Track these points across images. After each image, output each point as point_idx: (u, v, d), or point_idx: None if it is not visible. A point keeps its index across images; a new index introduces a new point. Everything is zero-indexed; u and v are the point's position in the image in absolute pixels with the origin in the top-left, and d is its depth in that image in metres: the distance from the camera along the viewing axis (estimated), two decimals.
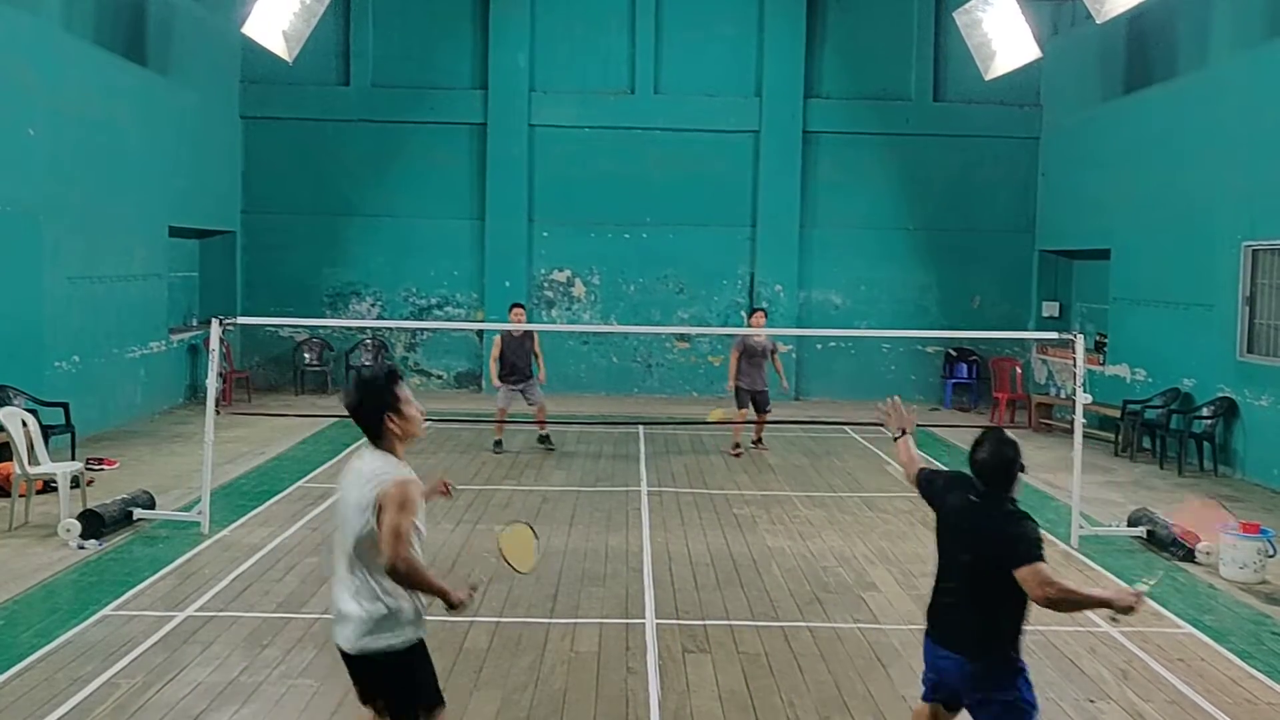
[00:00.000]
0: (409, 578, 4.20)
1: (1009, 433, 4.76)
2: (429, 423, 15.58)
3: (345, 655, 4.39)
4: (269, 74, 18.57)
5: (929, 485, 5.17)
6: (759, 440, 14.28)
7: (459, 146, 19.46)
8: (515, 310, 13.95)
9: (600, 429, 15.49)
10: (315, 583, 8.18)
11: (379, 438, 4.37)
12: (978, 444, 4.73)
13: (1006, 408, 17.56)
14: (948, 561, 4.88)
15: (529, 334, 13.81)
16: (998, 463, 4.67)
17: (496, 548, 4.70)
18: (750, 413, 13.82)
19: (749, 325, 13.99)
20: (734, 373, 13.73)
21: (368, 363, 19.22)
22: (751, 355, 13.66)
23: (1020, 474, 4.68)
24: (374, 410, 4.35)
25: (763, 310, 14.89)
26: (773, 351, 13.94)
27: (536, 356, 13.83)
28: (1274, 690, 6.56)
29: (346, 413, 4.40)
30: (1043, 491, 12.23)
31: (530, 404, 13.84)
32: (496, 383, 13.78)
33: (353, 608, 4.26)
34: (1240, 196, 13.36)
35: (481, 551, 9.15)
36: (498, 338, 13.93)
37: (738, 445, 13.88)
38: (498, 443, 13.76)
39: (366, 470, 4.28)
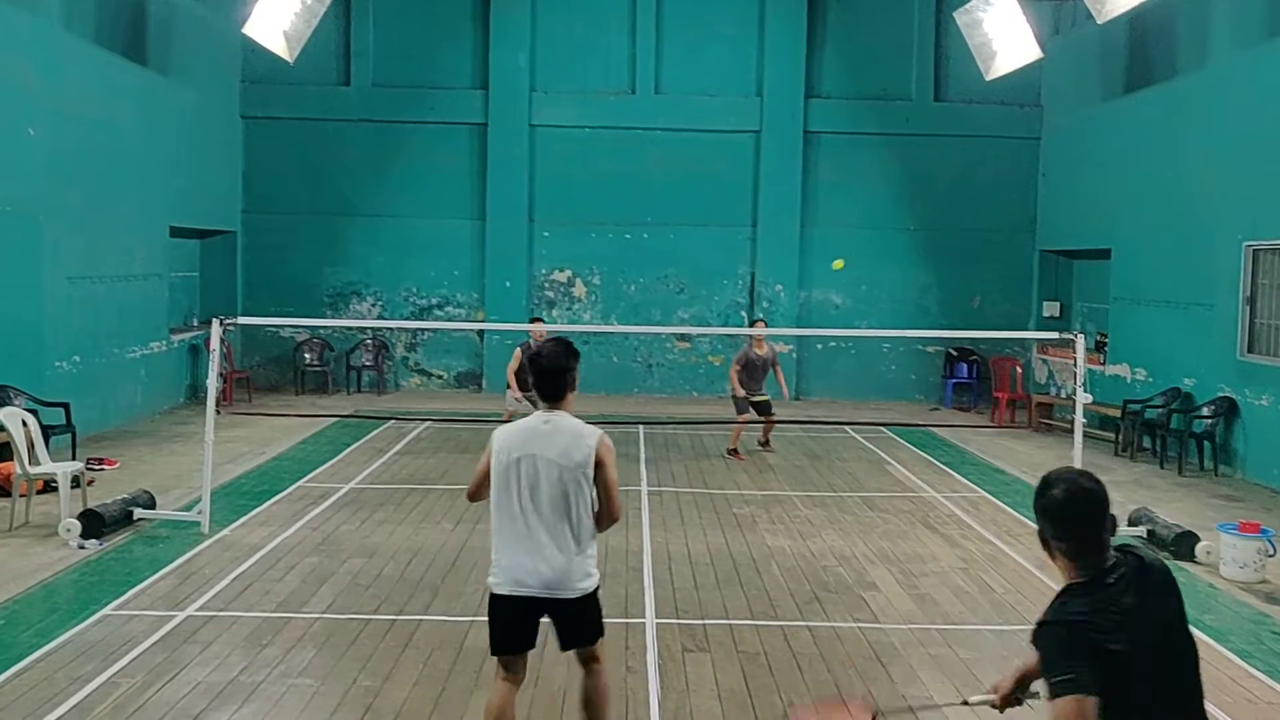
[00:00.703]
0: (616, 521, 4.92)
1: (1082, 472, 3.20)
2: (428, 422, 15.64)
3: (547, 602, 4.82)
4: (269, 74, 18.58)
5: (1085, 644, 2.96)
6: (766, 441, 14.19)
7: (459, 146, 19.47)
8: (536, 325, 13.97)
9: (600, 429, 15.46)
10: (315, 582, 8.18)
11: (562, 396, 4.87)
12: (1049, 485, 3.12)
13: (1007, 407, 17.56)
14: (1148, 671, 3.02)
15: None
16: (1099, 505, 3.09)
17: None
18: (750, 417, 13.72)
19: (751, 335, 13.83)
20: (736, 384, 13.59)
21: (368, 363, 19.23)
22: (753, 368, 13.58)
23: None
24: (570, 369, 4.86)
25: (764, 320, 14.81)
26: (774, 363, 13.85)
27: None
28: (1274, 689, 6.56)
29: (538, 370, 4.89)
30: None
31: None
32: (518, 395, 13.25)
33: (571, 555, 4.75)
34: (1241, 196, 13.36)
35: (481, 550, 9.15)
36: (518, 351, 13.67)
37: (734, 450, 13.70)
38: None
39: (571, 428, 4.79)
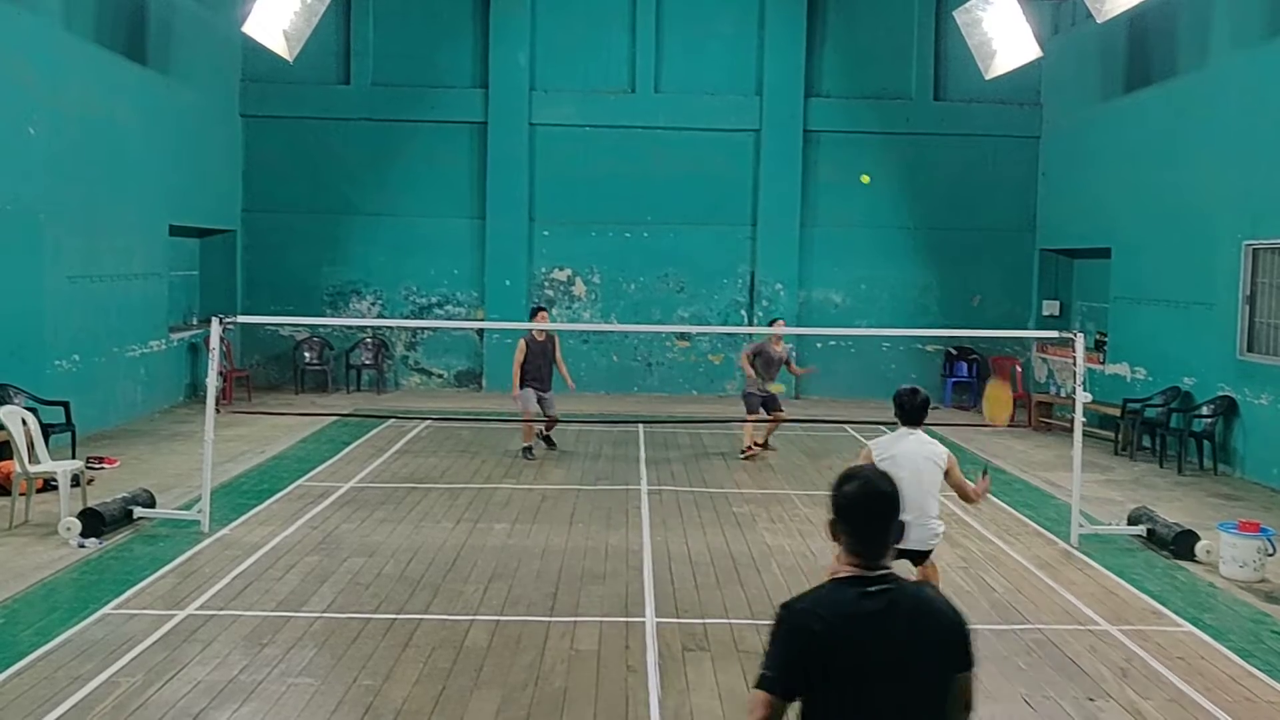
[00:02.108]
0: (973, 501, 7.27)
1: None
2: (428, 421, 15.64)
3: (906, 551, 6.61)
4: (269, 73, 18.56)
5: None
6: (765, 442, 14.01)
7: (459, 145, 19.46)
8: (540, 315, 13.71)
9: (600, 428, 15.49)
10: (315, 581, 8.18)
11: (920, 423, 7.03)
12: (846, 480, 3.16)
13: None
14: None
15: (551, 339, 13.53)
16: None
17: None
18: (759, 416, 13.72)
19: (772, 334, 13.88)
20: (751, 377, 13.57)
21: (368, 362, 19.22)
22: (769, 363, 13.60)
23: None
24: (927, 410, 7.14)
25: (783, 320, 14.86)
26: (787, 361, 13.96)
27: (558, 364, 13.56)
28: (1273, 688, 6.56)
29: (910, 408, 7.05)
30: (1042, 490, 12.24)
31: (545, 414, 13.48)
32: (517, 392, 13.20)
33: (924, 523, 6.73)
34: (1240, 196, 13.36)
35: (481, 549, 9.16)
36: (522, 342, 13.47)
37: (750, 449, 13.55)
38: (527, 449, 13.22)
39: (930, 443, 7.01)
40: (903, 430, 7.04)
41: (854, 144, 19.56)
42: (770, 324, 15.21)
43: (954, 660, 3.05)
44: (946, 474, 6.92)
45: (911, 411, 7.07)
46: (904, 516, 6.04)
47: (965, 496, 7.08)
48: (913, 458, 6.85)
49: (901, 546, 6.30)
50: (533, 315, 13.83)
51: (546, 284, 19.59)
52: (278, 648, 6.82)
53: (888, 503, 3.11)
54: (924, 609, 3.05)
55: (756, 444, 13.85)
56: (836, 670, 2.91)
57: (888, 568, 3.05)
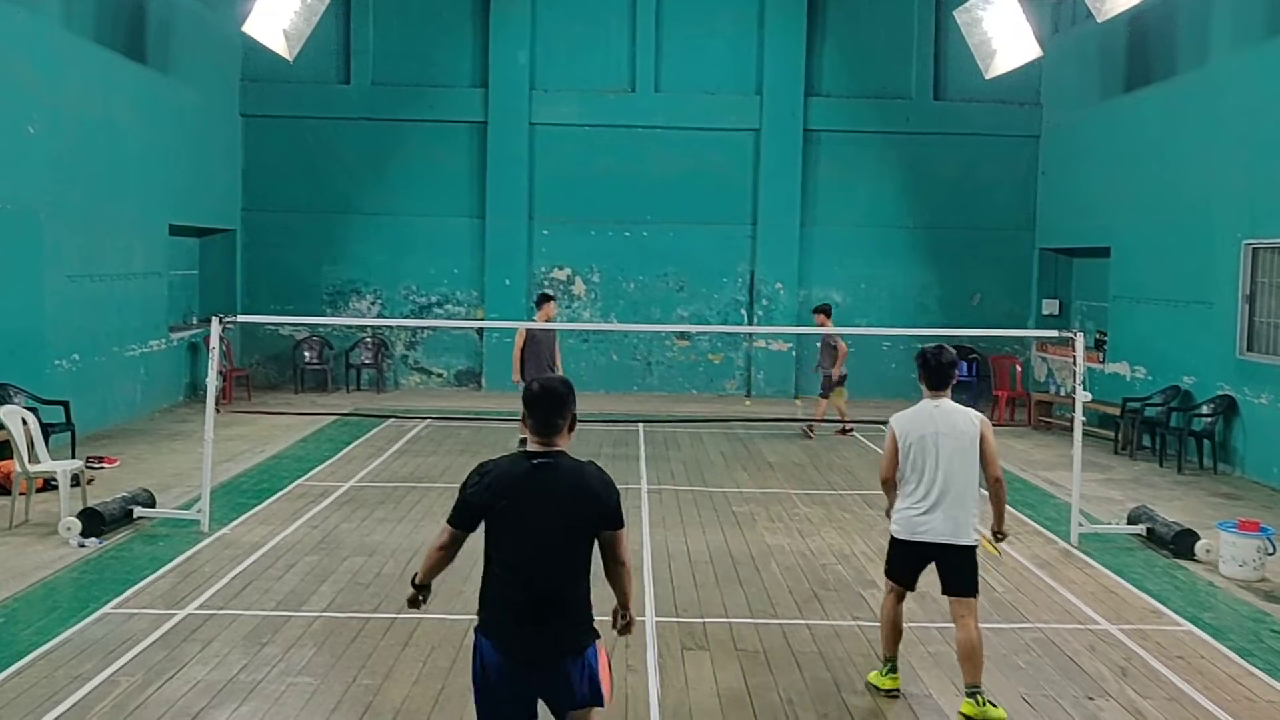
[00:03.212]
0: (1001, 483, 6.13)
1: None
2: (428, 420, 15.64)
3: (946, 547, 5.99)
4: (269, 72, 18.57)
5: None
6: (810, 428, 15.47)
7: (459, 144, 19.46)
8: (549, 304, 13.18)
9: (600, 427, 15.48)
10: (315, 581, 8.19)
11: (946, 388, 6.13)
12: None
13: (1006, 405, 17.57)
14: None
15: (553, 330, 13.29)
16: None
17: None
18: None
19: (818, 324, 15.61)
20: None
21: (368, 361, 19.22)
22: (823, 349, 15.38)
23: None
24: (955, 368, 6.18)
25: (823, 309, 15.82)
26: (821, 348, 15.45)
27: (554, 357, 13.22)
28: (1273, 688, 6.56)
29: (934, 370, 6.12)
30: (1042, 489, 12.24)
31: None
32: (519, 379, 12.70)
33: (960, 512, 5.94)
34: (1240, 195, 13.36)
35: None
36: (522, 329, 13.20)
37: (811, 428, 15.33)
38: (524, 440, 13.17)
39: (957, 409, 6.10)
40: (926, 402, 6.13)
41: (854, 143, 19.58)
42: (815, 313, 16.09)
43: (599, 520, 4.18)
44: (982, 443, 6.02)
45: (937, 371, 6.16)
46: (933, 508, 6.00)
47: (991, 472, 6.09)
48: (941, 440, 5.99)
49: (926, 539, 6.08)
50: (540, 303, 13.38)
51: (546, 283, 19.58)
52: (277, 647, 6.82)
53: (556, 397, 4.21)
54: (577, 478, 4.17)
55: (814, 425, 15.42)
56: (499, 512, 4.14)
57: (558, 447, 4.21)
